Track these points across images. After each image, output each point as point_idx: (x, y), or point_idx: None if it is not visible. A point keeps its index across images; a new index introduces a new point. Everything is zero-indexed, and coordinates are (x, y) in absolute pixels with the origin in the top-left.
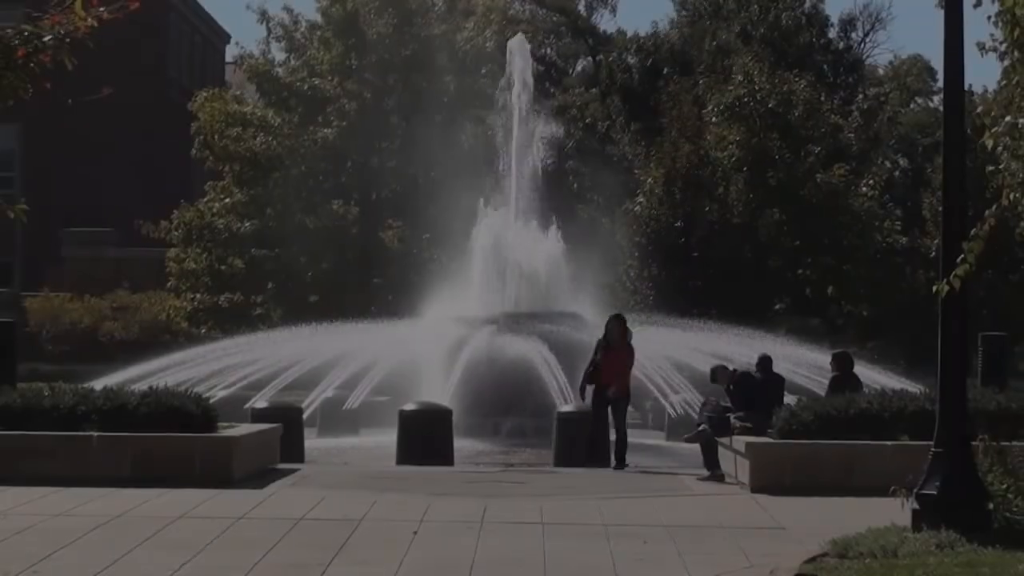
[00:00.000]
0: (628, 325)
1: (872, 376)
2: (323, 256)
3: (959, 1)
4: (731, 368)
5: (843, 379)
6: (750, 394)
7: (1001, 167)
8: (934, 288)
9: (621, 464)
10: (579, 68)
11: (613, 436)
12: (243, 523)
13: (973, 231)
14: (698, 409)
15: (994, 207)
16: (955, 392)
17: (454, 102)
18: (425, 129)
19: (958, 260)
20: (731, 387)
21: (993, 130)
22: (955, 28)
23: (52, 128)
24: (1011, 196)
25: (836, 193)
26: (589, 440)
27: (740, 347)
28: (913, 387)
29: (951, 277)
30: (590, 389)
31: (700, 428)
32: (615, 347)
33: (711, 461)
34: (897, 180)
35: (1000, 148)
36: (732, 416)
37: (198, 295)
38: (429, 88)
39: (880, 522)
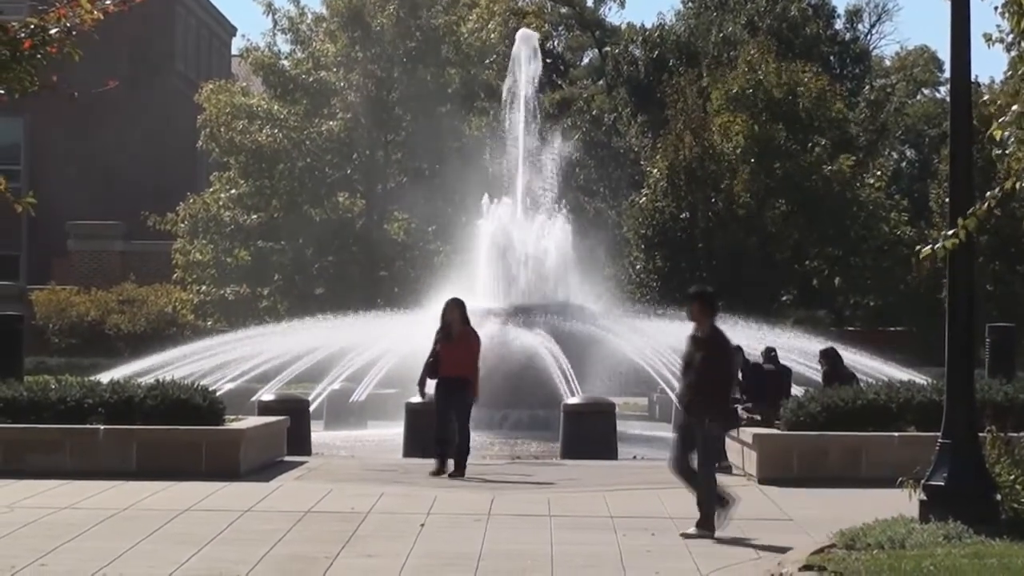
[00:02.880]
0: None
1: (878, 367)
2: (329, 248)
3: None
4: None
5: (833, 374)
6: (759, 384)
7: (1008, 152)
8: (917, 248)
9: (460, 471)
10: (586, 60)
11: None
12: (250, 516)
13: (971, 209)
14: None
15: (996, 188)
16: (962, 383)
17: (459, 94)
18: (430, 121)
19: (950, 232)
20: (742, 376)
21: (1001, 120)
22: (962, 19)
23: (58, 121)
24: (1017, 184)
25: (843, 184)
26: (436, 440)
27: (746, 339)
28: (920, 378)
29: (937, 246)
30: (431, 384)
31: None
32: (456, 336)
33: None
34: (904, 171)
35: (1008, 134)
36: (739, 407)
37: (204, 287)
38: (434, 80)
39: (888, 513)
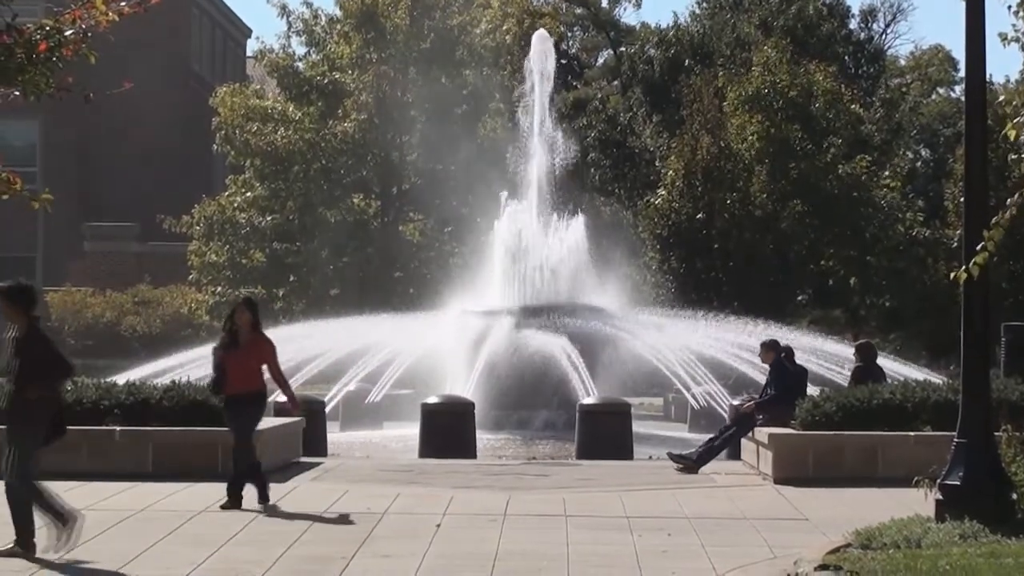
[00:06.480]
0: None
1: (895, 367)
2: (344, 250)
3: None
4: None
5: (866, 370)
6: (781, 381)
7: None
8: (952, 275)
9: (234, 500)
10: (601, 61)
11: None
12: (266, 517)
13: (994, 219)
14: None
15: (1016, 195)
16: (978, 382)
17: (474, 95)
18: (445, 122)
19: (978, 248)
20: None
21: (1016, 120)
22: (977, 18)
23: (73, 123)
24: None
25: (858, 184)
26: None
27: (762, 339)
28: (936, 377)
29: (970, 264)
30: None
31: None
32: (243, 343)
33: (704, 452)
34: (919, 171)
35: None
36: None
37: (219, 289)
38: (449, 81)
39: (903, 513)
